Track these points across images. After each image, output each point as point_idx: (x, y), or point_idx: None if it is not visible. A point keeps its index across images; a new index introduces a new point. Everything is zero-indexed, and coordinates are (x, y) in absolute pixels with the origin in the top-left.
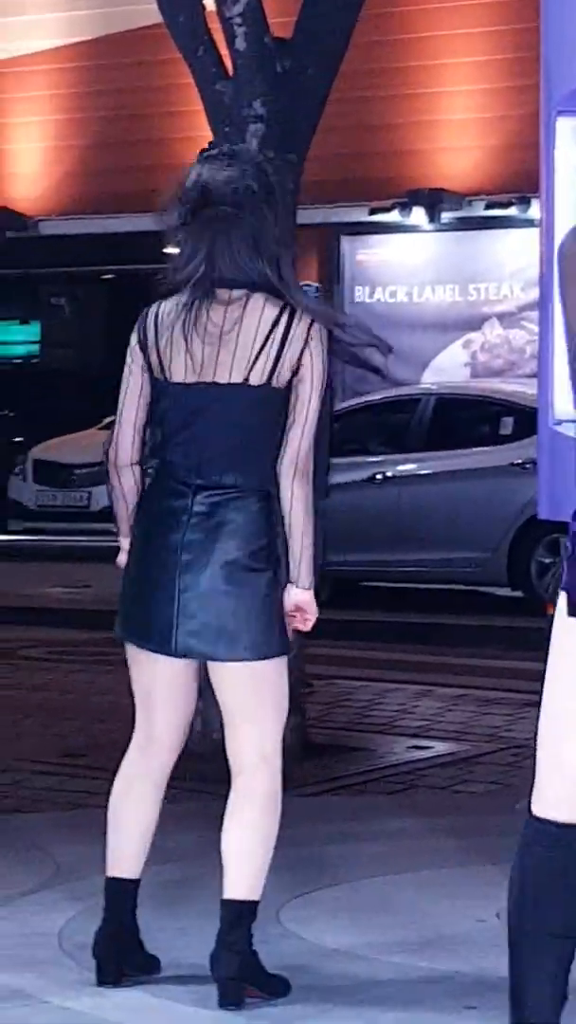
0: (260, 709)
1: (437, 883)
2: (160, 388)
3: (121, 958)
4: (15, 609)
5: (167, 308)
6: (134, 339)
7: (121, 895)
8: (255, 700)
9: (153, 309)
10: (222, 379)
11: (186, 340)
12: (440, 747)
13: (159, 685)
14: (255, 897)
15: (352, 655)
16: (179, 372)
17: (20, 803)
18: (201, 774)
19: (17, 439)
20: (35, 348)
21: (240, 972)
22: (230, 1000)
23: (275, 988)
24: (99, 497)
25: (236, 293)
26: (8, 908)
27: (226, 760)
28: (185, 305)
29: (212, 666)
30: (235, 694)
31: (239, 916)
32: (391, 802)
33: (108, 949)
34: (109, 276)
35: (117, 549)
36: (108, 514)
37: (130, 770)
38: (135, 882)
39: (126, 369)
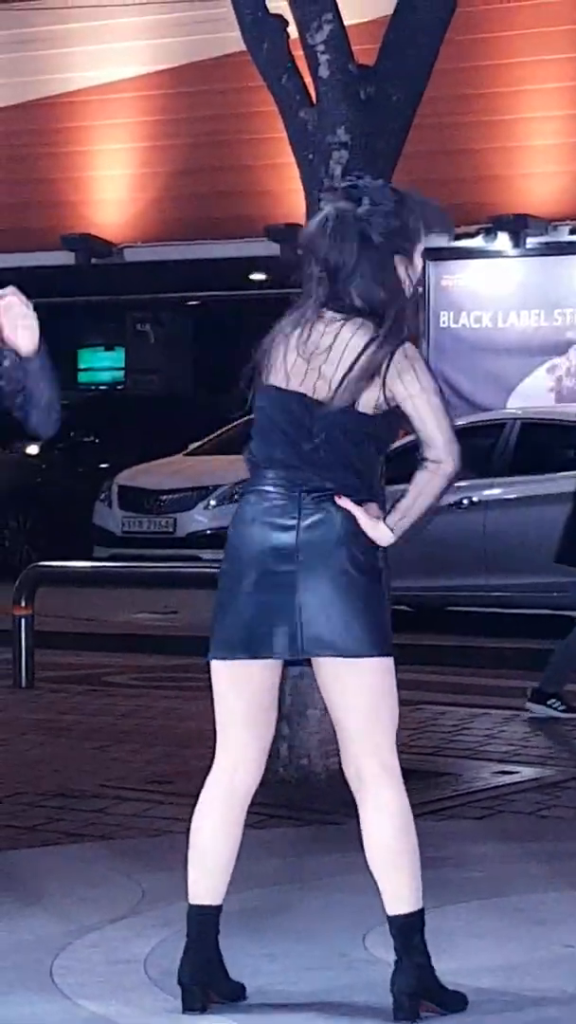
0: (375, 712)
1: (524, 908)
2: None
3: (207, 985)
4: (102, 636)
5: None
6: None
7: (204, 922)
8: (371, 701)
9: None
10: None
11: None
12: (526, 772)
13: (253, 702)
14: (418, 906)
15: (439, 680)
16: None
17: (107, 830)
18: (289, 800)
19: (103, 465)
20: (120, 374)
21: (418, 987)
22: (404, 1015)
23: (453, 1002)
24: (185, 523)
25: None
26: (95, 935)
27: (314, 785)
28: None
29: (328, 669)
30: (351, 695)
31: (409, 929)
32: (478, 827)
33: (193, 976)
34: (194, 303)
35: (206, 574)
36: (194, 539)
37: (213, 795)
38: (218, 908)
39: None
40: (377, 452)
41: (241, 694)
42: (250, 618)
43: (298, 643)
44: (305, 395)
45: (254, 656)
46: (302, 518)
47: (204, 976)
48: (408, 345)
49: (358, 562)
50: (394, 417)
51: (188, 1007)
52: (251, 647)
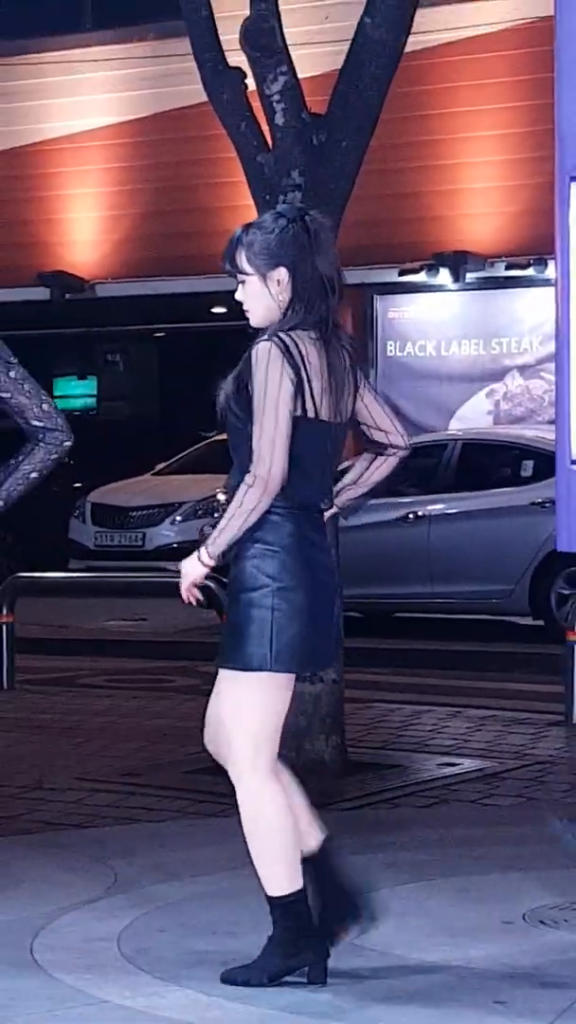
0: None
1: (468, 888)
2: (307, 425)
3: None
4: (77, 641)
5: (307, 348)
6: (290, 376)
7: (304, 900)
8: None
9: (292, 347)
10: (338, 419)
11: (333, 379)
12: (469, 764)
13: (286, 706)
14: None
15: (387, 680)
16: (326, 412)
17: (83, 819)
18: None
19: (76, 484)
20: (92, 401)
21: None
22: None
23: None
24: (153, 537)
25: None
26: (72, 915)
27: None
28: (323, 343)
29: None
30: None
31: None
32: (424, 814)
33: (323, 953)
34: (160, 334)
35: (169, 584)
36: (162, 553)
37: (280, 791)
38: None
39: (285, 399)
40: None
41: (287, 698)
42: (312, 633)
43: (333, 653)
44: (331, 421)
45: (317, 668)
46: (327, 535)
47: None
48: None
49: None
50: None
51: (316, 980)
52: (309, 659)
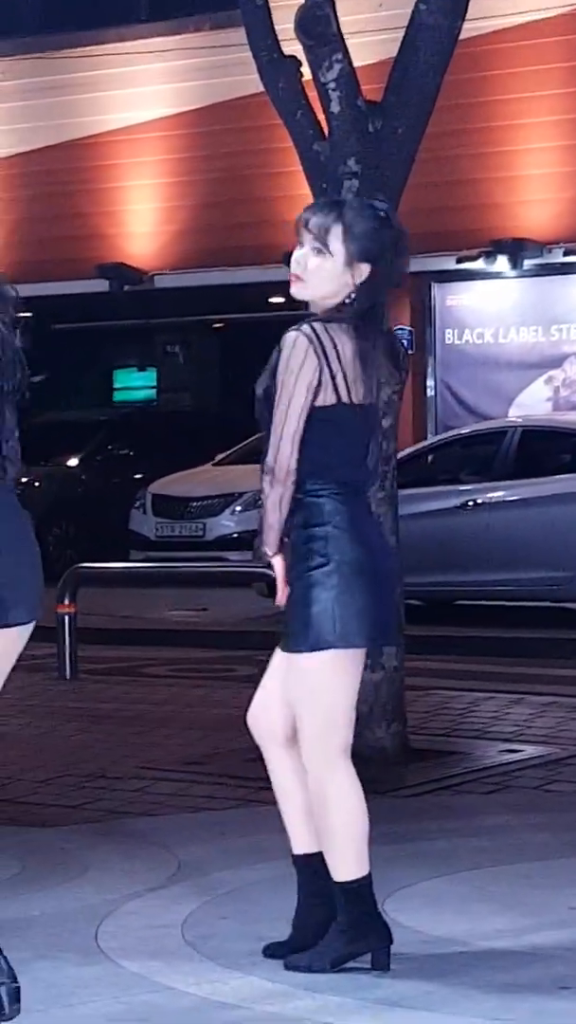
0: None
1: (531, 875)
2: (343, 409)
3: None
4: (139, 631)
5: (339, 338)
6: (314, 366)
7: (371, 886)
8: None
9: (324, 336)
10: (372, 401)
11: (366, 369)
12: (531, 750)
13: (357, 685)
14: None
15: (449, 667)
16: (361, 395)
17: (147, 807)
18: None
19: (137, 476)
20: (152, 393)
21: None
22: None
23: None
24: (213, 527)
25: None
26: (136, 902)
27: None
28: (356, 334)
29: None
30: None
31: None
32: (487, 801)
33: (387, 938)
34: (219, 325)
35: (230, 574)
36: (222, 543)
37: (353, 776)
38: None
39: (300, 391)
40: None
41: (357, 683)
42: (374, 605)
43: (396, 628)
44: (367, 403)
45: (383, 642)
46: (375, 516)
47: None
48: None
49: None
50: None
51: (382, 966)
52: (380, 633)
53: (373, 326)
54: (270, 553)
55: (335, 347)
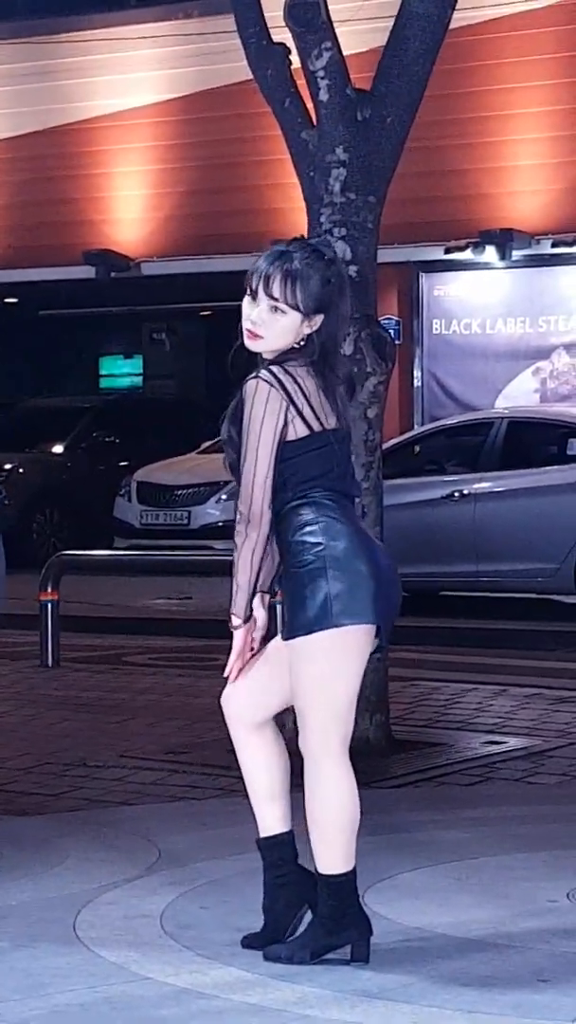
0: None
1: (512, 867)
2: (320, 438)
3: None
4: (121, 619)
5: (300, 375)
6: (279, 410)
7: (355, 880)
8: None
9: (285, 378)
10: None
11: (328, 400)
12: (513, 742)
13: (362, 671)
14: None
15: (432, 658)
16: (329, 422)
17: (127, 796)
18: (293, 769)
19: (122, 463)
20: (138, 380)
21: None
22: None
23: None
24: (198, 516)
25: None
26: (114, 892)
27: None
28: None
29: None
30: None
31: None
32: (469, 793)
33: (367, 930)
34: (206, 313)
35: (214, 563)
36: (207, 531)
37: (350, 772)
38: None
39: (267, 437)
40: None
41: (362, 668)
42: (369, 579)
43: (396, 609)
44: (339, 428)
45: (386, 619)
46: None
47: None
48: None
49: None
50: None
51: (361, 958)
52: (382, 609)
53: (330, 361)
54: (237, 621)
55: (296, 383)
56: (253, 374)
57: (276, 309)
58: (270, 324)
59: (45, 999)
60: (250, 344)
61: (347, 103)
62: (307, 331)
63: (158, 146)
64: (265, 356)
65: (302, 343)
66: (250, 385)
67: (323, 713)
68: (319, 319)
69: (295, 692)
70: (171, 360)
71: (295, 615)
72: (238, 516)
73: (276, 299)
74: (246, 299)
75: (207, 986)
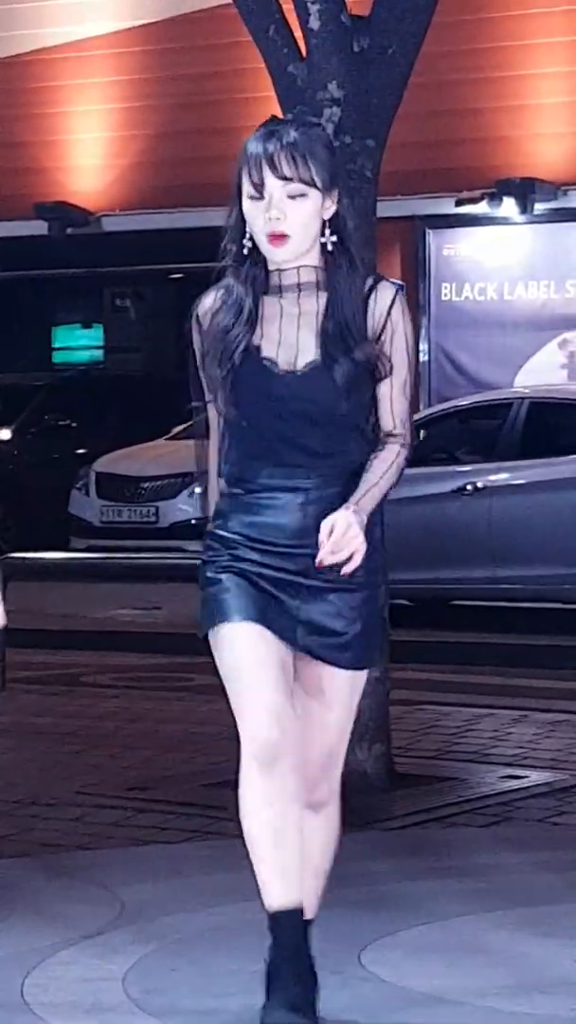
0: None
1: (533, 921)
2: None
3: None
4: (80, 632)
5: None
6: None
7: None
8: None
9: None
10: None
11: None
12: (536, 776)
13: None
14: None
15: (441, 679)
16: None
17: (84, 839)
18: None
19: (80, 451)
20: (99, 354)
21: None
22: None
23: None
24: (168, 512)
25: None
26: (71, 951)
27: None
28: None
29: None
30: None
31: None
32: (484, 835)
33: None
34: (178, 275)
35: (187, 567)
36: (178, 530)
37: None
38: None
39: None
40: None
41: None
42: None
43: None
44: None
45: None
46: None
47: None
48: None
49: None
50: None
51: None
52: None
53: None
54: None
55: None
56: (375, 279)
57: (294, 195)
58: (294, 214)
59: None
60: (276, 250)
61: (342, 31)
62: (325, 215)
63: (122, 80)
64: (288, 266)
65: (329, 243)
66: (399, 297)
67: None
68: (335, 197)
69: (339, 718)
70: (137, 330)
71: (372, 643)
72: (400, 441)
73: (290, 179)
74: (248, 200)
75: None
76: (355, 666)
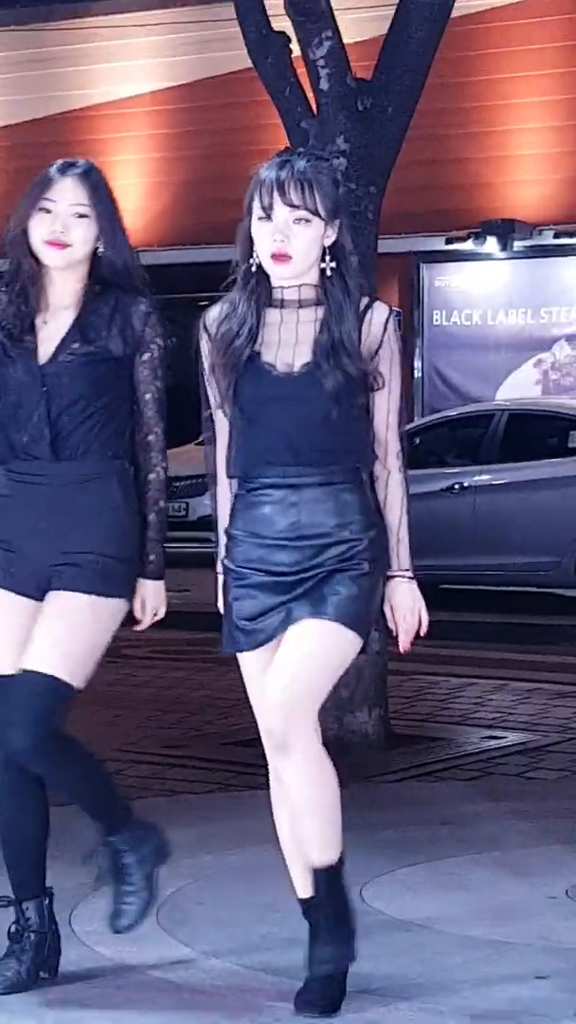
0: None
1: (511, 863)
2: None
3: None
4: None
5: None
6: None
7: None
8: None
9: None
10: None
11: None
12: (513, 737)
13: None
14: None
15: (431, 652)
16: None
17: (123, 790)
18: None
19: None
20: None
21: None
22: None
23: None
24: (196, 507)
25: None
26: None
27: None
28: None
29: None
30: None
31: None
32: (468, 788)
33: None
34: (204, 303)
35: (214, 555)
36: (206, 523)
37: None
38: None
39: None
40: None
41: None
42: None
43: None
44: None
45: None
46: None
47: None
48: None
49: None
50: None
51: None
52: None
53: (351, 284)
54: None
55: None
56: (370, 301)
57: (298, 220)
58: (298, 238)
59: (41, 994)
60: (279, 269)
61: (348, 92)
62: (326, 242)
63: (156, 135)
64: (289, 284)
65: (328, 268)
66: (392, 318)
67: (321, 700)
68: (336, 227)
69: (313, 663)
70: (171, 351)
71: (362, 610)
72: (395, 452)
73: (296, 206)
74: (256, 221)
75: (204, 981)
76: (340, 620)
